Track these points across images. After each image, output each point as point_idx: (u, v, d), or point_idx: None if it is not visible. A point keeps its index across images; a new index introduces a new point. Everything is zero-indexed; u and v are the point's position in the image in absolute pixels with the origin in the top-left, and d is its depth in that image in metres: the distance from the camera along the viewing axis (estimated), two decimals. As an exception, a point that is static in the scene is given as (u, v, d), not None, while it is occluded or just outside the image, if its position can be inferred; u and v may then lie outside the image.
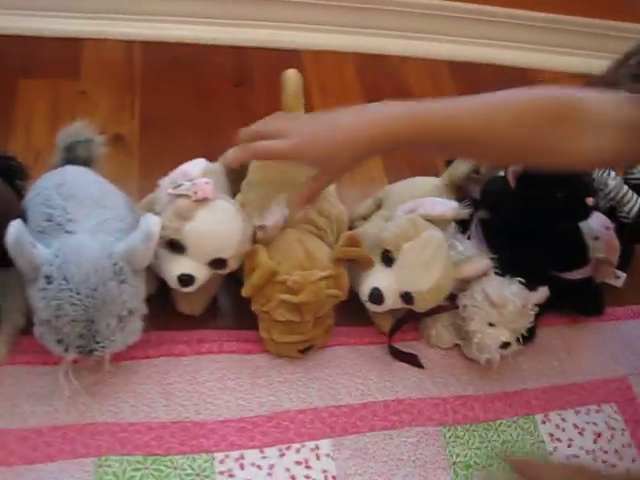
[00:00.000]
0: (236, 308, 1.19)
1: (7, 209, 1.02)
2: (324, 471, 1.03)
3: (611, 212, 1.32)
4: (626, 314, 1.37)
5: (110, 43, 1.61)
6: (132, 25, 1.64)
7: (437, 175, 1.32)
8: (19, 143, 1.36)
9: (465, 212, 1.18)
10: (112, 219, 1.02)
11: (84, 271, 0.91)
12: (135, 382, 1.06)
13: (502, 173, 1.23)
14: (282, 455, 1.04)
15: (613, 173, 1.31)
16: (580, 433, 1.17)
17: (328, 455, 1.05)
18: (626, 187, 1.31)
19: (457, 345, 1.21)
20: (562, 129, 0.94)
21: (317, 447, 1.05)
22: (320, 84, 1.65)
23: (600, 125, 0.94)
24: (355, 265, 1.10)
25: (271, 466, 1.02)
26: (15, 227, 0.89)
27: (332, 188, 1.21)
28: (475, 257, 1.16)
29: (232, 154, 1.01)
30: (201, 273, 1.04)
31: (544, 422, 1.17)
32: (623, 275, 1.29)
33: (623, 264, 1.30)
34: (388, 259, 1.09)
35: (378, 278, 1.09)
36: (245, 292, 1.05)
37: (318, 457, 1.04)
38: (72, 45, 1.58)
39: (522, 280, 1.14)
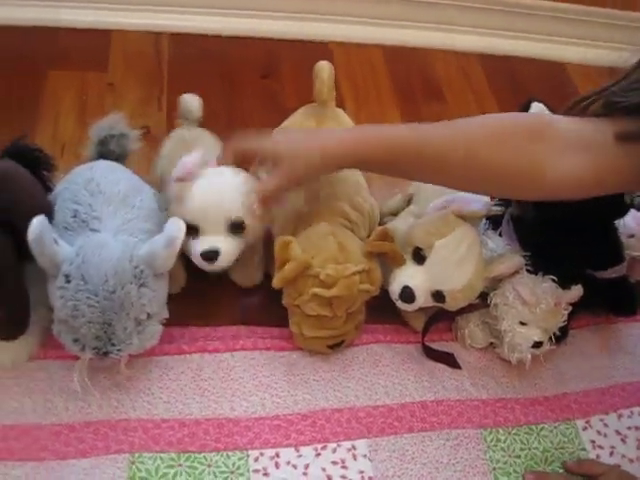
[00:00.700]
0: (268, 304, 1.16)
1: (33, 202, 1.00)
2: (360, 472, 1.01)
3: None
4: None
5: (138, 35, 1.59)
6: (160, 17, 1.62)
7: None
8: (46, 134, 1.35)
9: (497, 209, 1.16)
10: (137, 219, 1.00)
11: (103, 272, 0.89)
12: (169, 378, 1.04)
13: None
14: (318, 455, 1.01)
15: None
16: (623, 440, 1.14)
17: (365, 456, 1.02)
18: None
19: (492, 346, 1.18)
20: (541, 145, 0.93)
21: (353, 447, 1.03)
22: (349, 76, 1.63)
23: (578, 143, 0.93)
24: (386, 261, 1.07)
25: (306, 465, 1.00)
26: (38, 223, 0.87)
27: (364, 182, 1.19)
28: (507, 254, 1.13)
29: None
30: (223, 243, 1.01)
31: (585, 428, 1.14)
32: (659, 274, 1.26)
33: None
34: (419, 257, 1.07)
35: (409, 276, 1.07)
36: (276, 284, 1.02)
37: (355, 457, 1.02)
38: (100, 37, 1.57)
39: (555, 278, 1.11)
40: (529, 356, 1.11)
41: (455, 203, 1.09)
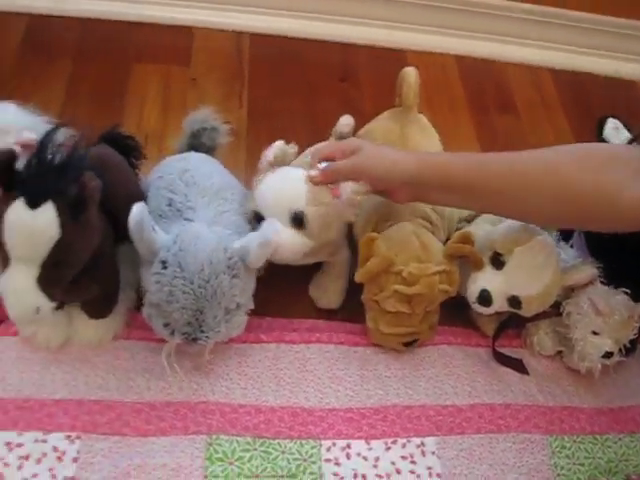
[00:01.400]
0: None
1: (128, 186, 1.04)
2: (429, 468, 1.03)
3: None
4: None
5: (220, 33, 1.64)
6: (241, 17, 1.66)
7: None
8: (131, 124, 1.39)
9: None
10: (230, 212, 1.03)
11: (199, 261, 0.92)
12: (247, 365, 1.08)
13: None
14: (388, 448, 1.04)
15: None
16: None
17: (433, 453, 1.05)
18: None
19: (559, 354, 1.20)
20: (616, 172, 0.94)
21: (422, 444, 1.05)
22: (423, 85, 1.63)
23: None
24: (465, 264, 1.10)
25: (377, 458, 1.03)
26: (138, 209, 0.90)
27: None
28: (582, 265, 1.14)
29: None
30: (284, 234, 1.01)
31: (650, 442, 1.15)
32: None
33: None
34: (498, 262, 1.09)
35: (487, 280, 1.09)
36: (359, 277, 1.06)
37: (423, 454, 1.04)
38: (184, 33, 1.62)
39: (627, 291, 1.13)
40: (599, 366, 1.12)
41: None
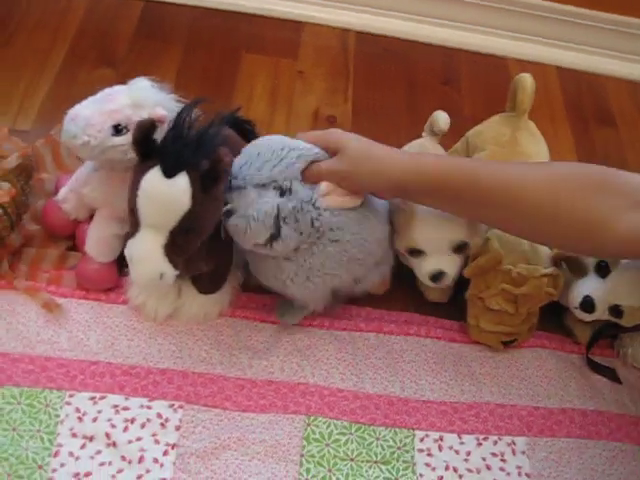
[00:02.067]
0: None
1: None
2: (518, 467, 1.04)
3: None
4: None
5: (327, 29, 1.68)
6: (348, 14, 1.69)
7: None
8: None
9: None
10: None
11: None
12: (346, 351, 1.11)
13: None
14: (479, 444, 1.06)
15: None
16: None
17: (523, 452, 1.06)
18: None
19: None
20: (609, 198, 0.91)
21: (513, 442, 1.07)
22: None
23: None
24: (569, 269, 1.11)
25: (468, 452, 1.05)
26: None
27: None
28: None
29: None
30: (447, 263, 1.08)
31: None
32: None
33: None
34: (603, 270, 1.09)
35: (591, 287, 1.10)
36: (468, 272, 1.08)
37: (514, 452, 1.06)
38: (293, 27, 1.66)
39: None
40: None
41: None
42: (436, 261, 1.07)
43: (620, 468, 1.08)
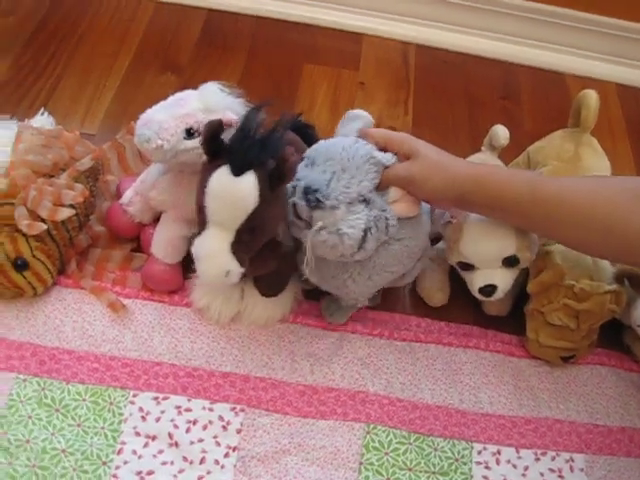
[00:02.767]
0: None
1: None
2: (576, 484, 1.04)
3: None
4: None
5: (388, 42, 1.69)
6: (408, 28, 1.70)
7: None
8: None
9: None
10: None
11: None
12: (406, 362, 1.12)
13: None
14: (537, 459, 1.05)
15: None
16: None
17: (582, 470, 1.05)
18: None
19: None
20: None
21: (572, 459, 1.06)
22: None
23: None
24: (632, 286, 1.11)
25: (526, 467, 1.04)
26: None
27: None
28: None
29: None
30: (499, 277, 1.08)
31: None
32: None
33: None
34: (667, 288, 1.09)
35: (654, 305, 1.09)
36: (531, 288, 1.08)
37: (572, 469, 1.05)
38: (354, 39, 1.67)
39: None
40: None
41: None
42: (486, 275, 1.08)
43: (680, 490, 1.07)
